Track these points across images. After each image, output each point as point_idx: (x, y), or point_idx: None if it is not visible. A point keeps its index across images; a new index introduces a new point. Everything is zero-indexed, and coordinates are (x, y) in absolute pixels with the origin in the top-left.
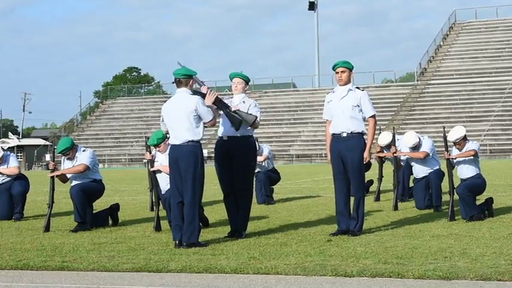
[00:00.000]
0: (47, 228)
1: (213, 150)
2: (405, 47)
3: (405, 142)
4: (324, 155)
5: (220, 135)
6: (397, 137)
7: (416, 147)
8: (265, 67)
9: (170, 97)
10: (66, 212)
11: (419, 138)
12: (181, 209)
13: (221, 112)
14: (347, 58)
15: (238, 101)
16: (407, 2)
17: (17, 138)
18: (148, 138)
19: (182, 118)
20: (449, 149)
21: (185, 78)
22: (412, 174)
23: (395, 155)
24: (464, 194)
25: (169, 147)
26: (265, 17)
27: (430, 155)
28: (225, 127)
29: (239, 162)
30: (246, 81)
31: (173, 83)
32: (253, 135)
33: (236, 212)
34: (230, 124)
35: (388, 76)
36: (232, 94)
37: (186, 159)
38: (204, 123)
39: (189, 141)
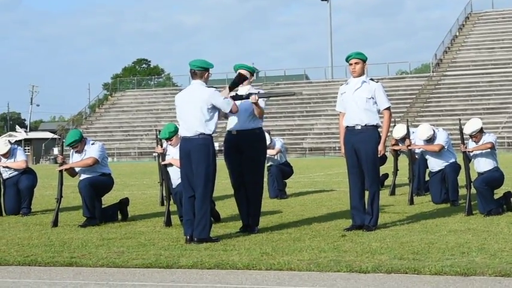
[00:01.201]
0: (55, 223)
1: (223, 143)
2: (420, 37)
3: (419, 135)
4: (337, 148)
5: (229, 130)
6: (411, 129)
7: (430, 140)
8: (278, 58)
9: (181, 89)
10: (75, 207)
11: (434, 131)
12: (192, 203)
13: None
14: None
15: (244, 93)
16: None
17: (25, 131)
18: (159, 131)
19: (195, 110)
20: (465, 142)
21: (200, 71)
22: (428, 167)
23: (409, 148)
24: (482, 188)
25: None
26: (278, 7)
27: (445, 147)
28: (233, 121)
29: (249, 156)
30: (252, 72)
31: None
32: (263, 128)
33: (247, 206)
34: (239, 118)
35: (403, 67)
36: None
37: (198, 152)
38: (226, 114)
39: (201, 133)
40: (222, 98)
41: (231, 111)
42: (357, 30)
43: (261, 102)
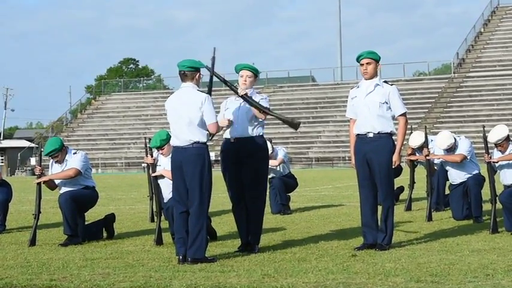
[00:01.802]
0: (32, 242)
1: (220, 154)
2: (440, 34)
3: (438, 143)
4: (347, 159)
5: (227, 137)
6: (430, 137)
7: (451, 149)
8: (281, 58)
9: (173, 92)
10: (55, 224)
11: (455, 139)
12: (185, 219)
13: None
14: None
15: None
16: None
17: None
18: (149, 139)
19: (187, 116)
20: (490, 151)
21: (191, 71)
22: (448, 180)
23: (428, 158)
24: (508, 203)
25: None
26: (281, 0)
27: (468, 158)
28: (232, 127)
29: (250, 166)
30: (255, 74)
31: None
32: (264, 136)
33: (247, 223)
34: (237, 124)
35: (421, 68)
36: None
37: (191, 163)
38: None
39: (194, 142)
40: (211, 106)
41: (211, 124)
42: (370, 26)
43: (265, 104)
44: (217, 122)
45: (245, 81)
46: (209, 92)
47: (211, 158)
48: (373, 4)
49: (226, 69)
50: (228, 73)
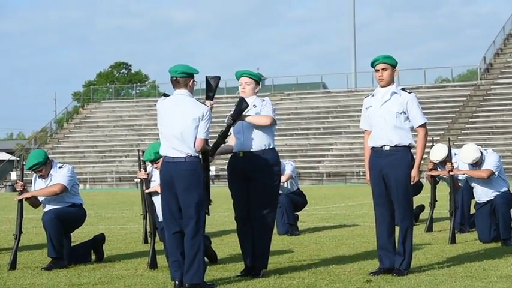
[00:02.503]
0: (12, 266)
1: (222, 167)
2: (466, 37)
3: (463, 157)
4: (361, 174)
5: (235, 151)
6: (454, 151)
7: (477, 164)
8: (289, 63)
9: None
10: (37, 245)
11: (482, 153)
12: (179, 240)
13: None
14: (391, 51)
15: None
16: None
17: None
18: (142, 152)
19: (183, 126)
20: None
21: (184, 77)
22: (473, 198)
23: (451, 173)
24: None
25: None
26: None
27: (496, 173)
28: (239, 140)
29: (258, 182)
30: (257, 80)
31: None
32: (275, 148)
33: (253, 245)
34: (244, 137)
35: (444, 74)
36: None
37: (185, 178)
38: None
39: (188, 155)
40: (208, 122)
41: (199, 139)
42: (387, 27)
43: (268, 109)
44: (205, 139)
45: (244, 89)
46: (211, 98)
47: (211, 173)
48: (390, 3)
49: (228, 74)
50: (230, 79)
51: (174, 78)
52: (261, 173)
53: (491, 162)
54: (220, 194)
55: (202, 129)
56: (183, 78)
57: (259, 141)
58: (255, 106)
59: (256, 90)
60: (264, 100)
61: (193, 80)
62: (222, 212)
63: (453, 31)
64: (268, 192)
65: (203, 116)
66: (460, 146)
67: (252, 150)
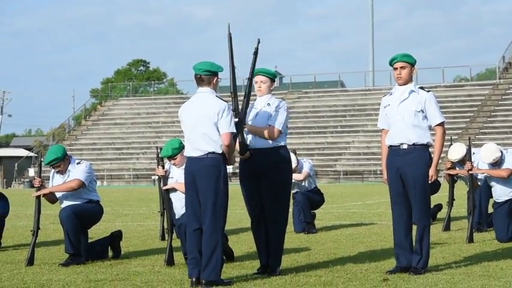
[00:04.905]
0: (30, 261)
1: (238, 165)
2: (485, 35)
3: (483, 157)
4: (378, 172)
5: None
6: (473, 150)
7: (497, 163)
8: (307, 61)
9: (187, 98)
10: (55, 241)
11: (502, 152)
12: (199, 237)
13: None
14: (411, 50)
15: (262, 105)
16: None
17: None
18: (160, 149)
19: (203, 124)
20: None
21: (208, 75)
22: (492, 197)
23: (470, 172)
24: None
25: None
26: None
27: None
28: (250, 137)
29: (270, 179)
30: (272, 78)
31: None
32: (287, 146)
33: (267, 243)
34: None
35: (462, 73)
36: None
37: (205, 175)
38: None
39: (209, 153)
40: (229, 116)
41: (224, 133)
42: (407, 25)
43: (282, 114)
44: (231, 132)
45: (260, 87)
46: (235, 96)
47: (228, 171)
48: (411, 1)
49: (245, 72)
50: (246, 77)
51: (198, 76)
52: (272, 170)
53: (510, 161)
54: (237, 191)
55: (226, 124)
56: (206, 76)
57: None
58: (268, 105)
59: (272, 88)
60: (281, 101)
61: (217, 78)
62: (238, 209)
63: (473, 29)
64: (280, 190)
65: (223, 111)
66: (478, 145)
67: (263, 147)
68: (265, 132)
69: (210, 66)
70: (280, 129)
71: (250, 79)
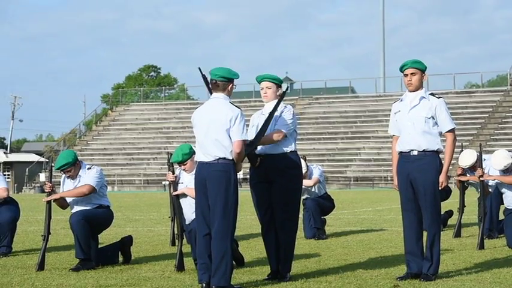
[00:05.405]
0: (41, 266)
1: (249, 171)
2: (497, 42)
3: (494, 163)
4: (389, 179)
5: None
6: (484, 156)
7: (508, 170)
8: (318, 66)
9: (198, 104)
10: (65, 246)
11: None
12: (209, 243)
13: None
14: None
15: (269, 110)
16: None
17: (4, 153)
18: (170, 154)
19: (216, 130)
20: None
21: (223, 82)
22: (503, 203)
23: (481, 179)
24: None
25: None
26: (320, 2)
27: None
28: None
29: (280, 185)
30: (278, 84)
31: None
32: (297, 151)
33: (277, 248)
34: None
35: (473, 79)
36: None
37: (215, 180)
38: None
39: (220, 158)
40: (242, 124)
41: (236, 140)
42: (418, 32)
43: (286, 117)
44: (243, 140)
45: (265, 93)
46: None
47: (238, 176)
48: (423, 7)
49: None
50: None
51: (214, 81)
52: (282, 176)
53: None
54: (247, 197)
55: (239, 131)
56: (222, 82)
57: (280, 145)
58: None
59: (278, 93)
60: (286, 106)
61: (232, 84)
62: (249, 215)
63: (485, 36)
64: (289, 195)
65: (236, 118)
66: (489, 152)
67: (273, 153)
68: (271, 136)
69: (226, 72)
70: (284, 131)
71: (270, 116)
